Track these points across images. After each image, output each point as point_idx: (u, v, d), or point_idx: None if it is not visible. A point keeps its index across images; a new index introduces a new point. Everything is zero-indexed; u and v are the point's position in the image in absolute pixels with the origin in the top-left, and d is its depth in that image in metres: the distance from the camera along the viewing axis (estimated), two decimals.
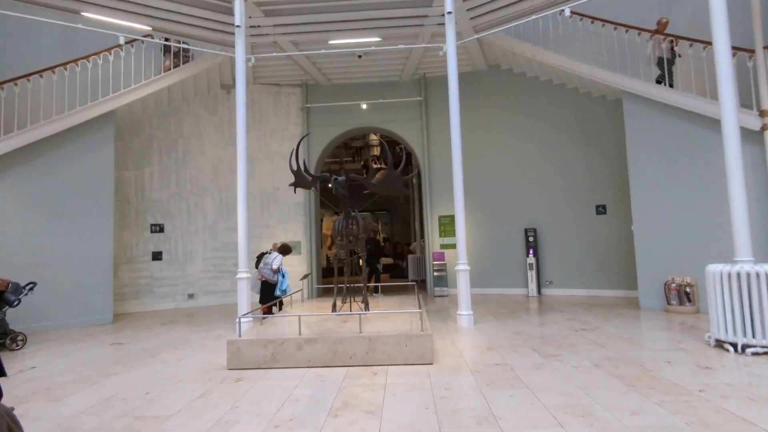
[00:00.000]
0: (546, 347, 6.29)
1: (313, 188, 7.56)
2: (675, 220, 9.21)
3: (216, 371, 5.64)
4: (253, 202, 13.18)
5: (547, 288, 12.12)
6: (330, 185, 6.99)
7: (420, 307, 6.16)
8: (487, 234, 12.83)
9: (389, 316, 7.08)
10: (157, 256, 12.24)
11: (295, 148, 7.45)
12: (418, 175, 16.93)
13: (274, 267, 9.28)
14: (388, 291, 12.89)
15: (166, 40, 10.70)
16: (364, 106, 13.28)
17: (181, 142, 12.73)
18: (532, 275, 11.92)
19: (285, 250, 9.49)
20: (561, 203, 12.14)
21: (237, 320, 5.95)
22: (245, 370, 5.61)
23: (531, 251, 12.01)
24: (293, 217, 13.30)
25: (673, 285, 8.96)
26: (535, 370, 5.27)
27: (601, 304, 10.01)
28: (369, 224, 23.91)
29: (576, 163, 12.01)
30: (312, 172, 13.40)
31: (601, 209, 11.70)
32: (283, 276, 9.67)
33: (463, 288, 8.15)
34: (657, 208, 9.42)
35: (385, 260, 22.63)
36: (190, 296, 12.51)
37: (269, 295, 9.13)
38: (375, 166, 17.76)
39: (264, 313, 9.46)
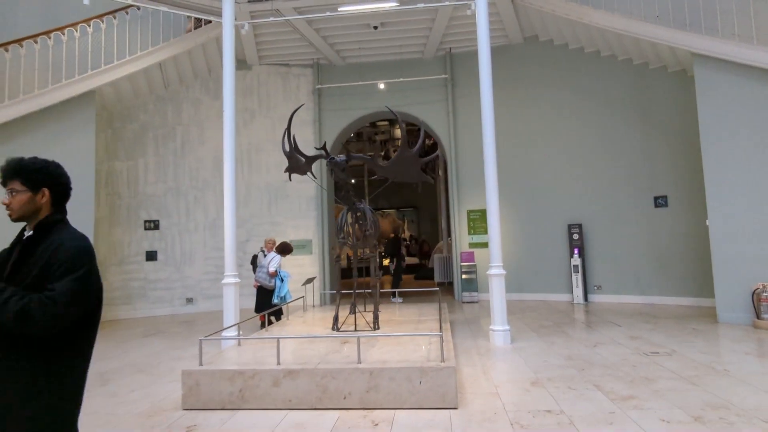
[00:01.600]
0: (613, 383, 4.63)
1: (310, 173, 6.08)
2: (765, 213, 7.33)
3: (166, 413, 4.23)
4: (259, 197, 11.89)
5: (595, 294, 10.33)
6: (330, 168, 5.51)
7: (440, 329, 4.59)
8: (524, 231, 11.12)
9: (402, 336, 5.54)
10: (151, 256, 11.07)
11: (288, 124, 5.98)
12: (444, 167, 15.35)
13: (271, 270, 7.89)
14: (408, 297, 11.36)
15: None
16: (382, 86, 11.76)
17: (180, 131, 11.51)
18: (577, 279, 10.15)
19: (284, 249, 8.06)
20: (612, 195, 10.31)
21: (199, 342, 4.53)
22: (204, 412, 4.19)
23: (576, 251, 10.24)
24: (304, 213, 11.92)
25: (765, 294, 7.10)
26: (606, 425, 3.65)
27: (667, 316, 8.19)
28: (393, 222, 22.40)
29: (630, 147, 10.16)
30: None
31: (661, 201, 9.83)
32: (282, 280, 8.28)
33: (497, 297, 6.54)
34: (741, 198, 7.55)
35: (410, 260, 21.15)
36: (189, 301, 11.30)
37: (267, 303, 7.75)
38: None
39: (261, 324, 8.16)
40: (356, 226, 6.18)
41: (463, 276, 11.13)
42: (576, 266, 10.16)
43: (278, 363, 4.35)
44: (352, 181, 5.71)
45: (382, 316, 7.20)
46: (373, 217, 6.59)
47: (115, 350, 7.14)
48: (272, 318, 7.87)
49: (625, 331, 7.09)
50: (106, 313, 10.44)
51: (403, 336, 5.29)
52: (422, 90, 11.85)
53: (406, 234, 22.08)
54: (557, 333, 7.10)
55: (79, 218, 8.92)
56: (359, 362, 4.28)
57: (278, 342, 4.40)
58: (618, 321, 7.88)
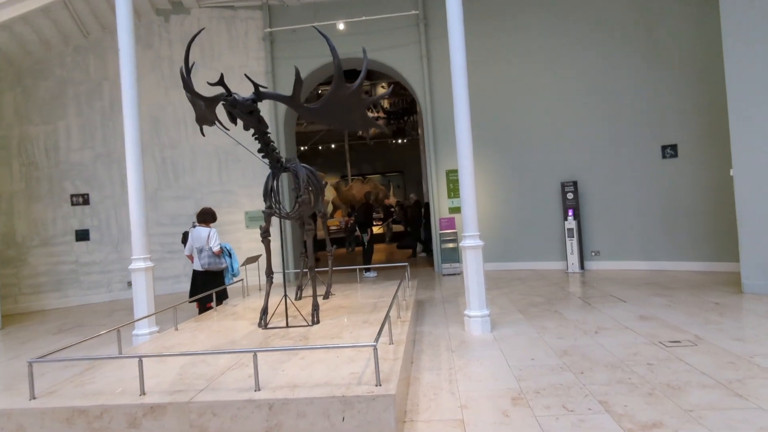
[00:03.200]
0: (625, 396, 3.30)
1: (218, 123, 4.51)
2: None
3: None
4: (207, 162, 10.34)
5: (592, 260, 9.01)
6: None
7: (378, 336, 3.18)
8: (511, 192, 9.69)
9: (343, 334, 4.16)
10: (82, 235, 9.57)
11: (185, 53, 4.34)
12: (414, 121, 13.78)
13: (215, 248, 6.48)
14: (382, 271, 10.01)
15: None
16: (342, 27, 10.03)
17: (107, 86, 9.79)
18: (572, 244, 8.80)
19: (205, 217, 6.59)
20: (612, 146, 8.85)
21: (29, 365, 3.11)
22: None
23: (570, 212, 8.85)
24: (260, 179, 10.34)
25: None
26: None
27: (680, 286, 6.89)
28: (375, 187, 20.86)
29: (633, 89, 8.63)
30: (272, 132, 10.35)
31: (669, 151, 8.39)
32: (230, 255, 6.92)
33: (473, 275, 5.15)
34: None
35: (397, 228, 19.74)
36: (130, 285, 9.85)
37: (209, 287, 6.35)
38: (372, 114, 14.59)
39: (205, 309, 6.84)
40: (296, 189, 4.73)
41: (443, 245, 9.76)
42: (570, 230, 8.80)
43: (142, 393, 2.97)
44: (268, 131, 4.08)
45: (338, 298, 5.84)
46: (311, 179, 5.12)
47: (4, 356, 5.74)
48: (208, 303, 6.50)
49: (632, 308, 5.77)
50: (31, 303, 9.06)
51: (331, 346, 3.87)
52: (391, 31, 10.14)
53: (392, 200, 20.53)
54: (549, 314, 5.77)
55: None
56: (257, 388, 2.90)
57: (140, 363, 2.99)
58: (622, 294, 6.57)
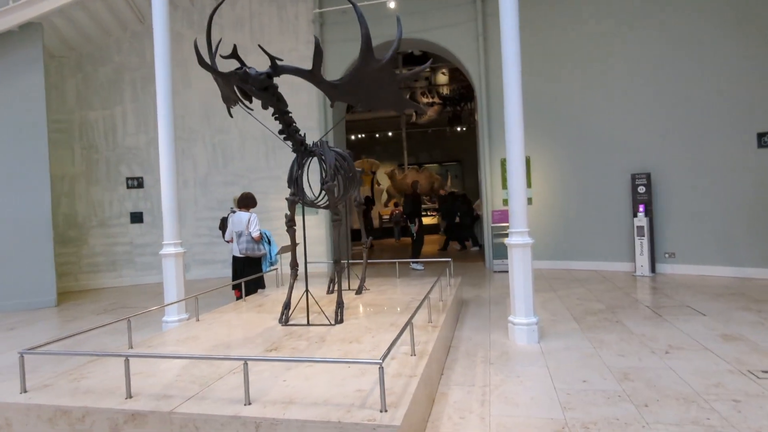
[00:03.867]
0: None
1: (241, 104, 4.17)
2: None
3: None
4: (255, 147, 10.26)
5: (665, 263, 7.98)
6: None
7: (385, 355, 2.68)
8: (573, 184, 8.80)
9: (365, 338, 3.73)
10: (136, 217, 9.83)
11: (207, 25, 4.00)
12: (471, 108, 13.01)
13: (255, 234, 6.35)
14: (429, 264, 9.46)
15: None
16: (392, 5, 9.48)
17: None
18: (642, 244, 7.82)
19: (246, 201, 6.44)
20: (693, 132, 7.73)
21: (19, 356, 2.94)
22: None
23: (641, 208, 7.86)
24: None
25: None
26: None
27: None
28: (430, 177, 20.22)
29: (722, 69, 7.45)
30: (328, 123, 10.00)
31: (767, 140, 7.17)
32: (269, 242, 6.80)
33: (519, 276, 4.53)
34: None
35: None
36: None
37: (248, 273, 6.26)
38: (426, 100, 13.95)
39: (238, 299, 6.76)
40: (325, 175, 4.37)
41: (496, 240, 9.06)
42: (641, 228, 7.81)
43: (128, 396, 2.71)
44: (288, 111, 3.67)
45: (372, 294, 5.45)
46: (342, 165, 4.71)
47: (41, 335, 5.87)
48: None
49: (712, 323, 4.90)
50: (90, 281, 9.43)
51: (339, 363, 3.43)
52: (445, 9, 9.48)
53: (444, 191, 19.78)
54: (610, 325, 5.03)
55: (32, 173, 7.70)
56: (247, 402, 2.54)
57: (126, 363, 2.72)
58: (700, 306, 5.65)
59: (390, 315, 4.43)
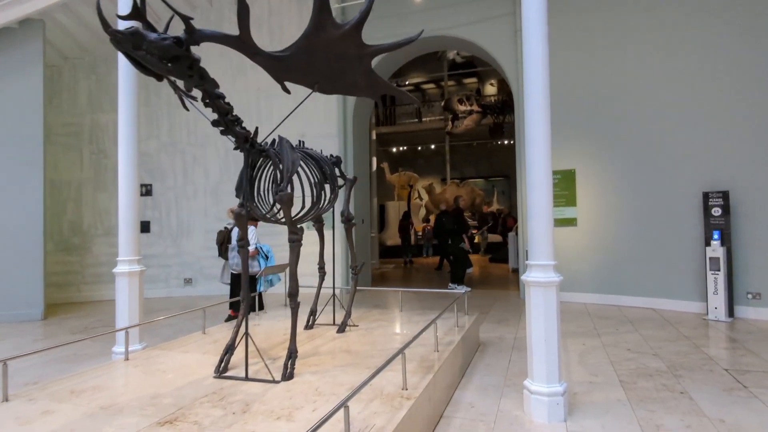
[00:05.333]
0: None
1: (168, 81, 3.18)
2: None
3: None
4: None
5: (748, 305, 6.34)
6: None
7: None
8: (627, 204, 7.35)
9: (305, 408, 2.66)
10: (143, 227, 9.28)
11: None
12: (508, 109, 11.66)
13: (251, 248, 5.57)
14: (426, 300, 8.17)
15: None
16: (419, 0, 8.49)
17: None
18: (716, 280, 6.25)
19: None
20: None
21: None
22: None
23: (716, 235, 6.30)
24: None
25: None
26: None
27: None
28: (472, 192, 18.86)
29: None
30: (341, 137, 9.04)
31: None
32: (267, 257, 6.07)
33: (539, 327, 3.29)
34: None
35: (493, 237, 17.61)
36: (187, 281, 9.42)
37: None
38: (462, 108, 12.78)
39: (230, 318, 6.09)
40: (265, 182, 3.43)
41: None
42: (715, 259, 6.25)
43: None
44: (221, 94, 2.66)
45: (357, 333, 4.38)
46: (311, 168, 3.73)
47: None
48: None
49: None
50: (92, 291, 8.95)
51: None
52: (478, 1, 8.38)
53: (491, 208, 18.36)
54: (671, 397, 3.66)
55: (26, 179, 7.23)
56: None
57: None
58: None
59: (359, 369, 3.33)
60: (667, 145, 6.96)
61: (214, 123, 3.12)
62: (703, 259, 6.49)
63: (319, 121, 9.26)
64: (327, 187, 4.01)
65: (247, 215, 3.43)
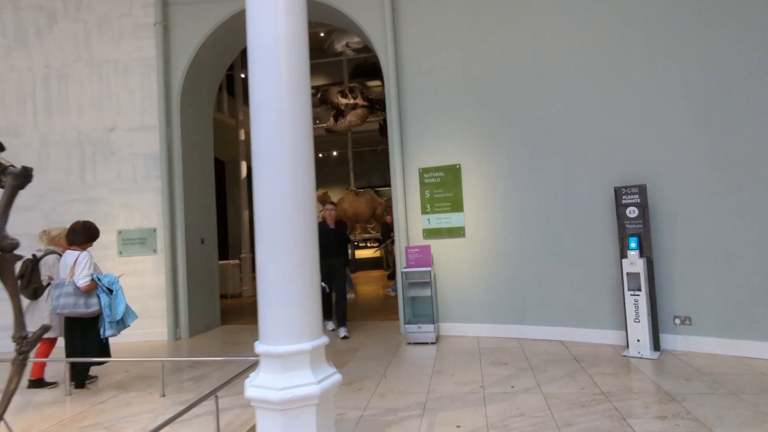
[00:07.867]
0: None
1: None
2: None
3: None
4: (66, 155, 6.98)
5: (676, 333, 4.85)
6: None
7: None
8: (523, 205, 5.71)
9: None
10: None
11: None
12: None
13: (82, 282, 3.57)
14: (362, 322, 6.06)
15: None
16: None
17: None
18: (638, 303, 4.68)
19: (91, 234, 4.40)
20: (720, 118, 4.75)
21: None
22: None
23: (635, 243, 4.76)
24: (142, 183, 6.91)
25: None
26: None
27: None
28: (372, 201, 16.99)
29: (742, 35, 4.57)
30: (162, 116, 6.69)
31: None
32: (111, 291, 3.77)
33: None
34: None
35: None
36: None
37: (88, 339, 4.16)
38: (344, 101, 10.88)
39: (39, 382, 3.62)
40: None
41: (410, 292, 5.85)
42: (634, 275, 4.70)
43: None
44: None
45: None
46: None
47: None
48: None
49: None
50: None
51: None
52: None
53: (389, 219, 16.58)
54: None
55: None
56: None
57: None
58: None
59: None
60: (572, 132, 5.42)
61: None
62: (617, 275, 4.96)
63: (134, 109, 6.90)
64: None
65: None
